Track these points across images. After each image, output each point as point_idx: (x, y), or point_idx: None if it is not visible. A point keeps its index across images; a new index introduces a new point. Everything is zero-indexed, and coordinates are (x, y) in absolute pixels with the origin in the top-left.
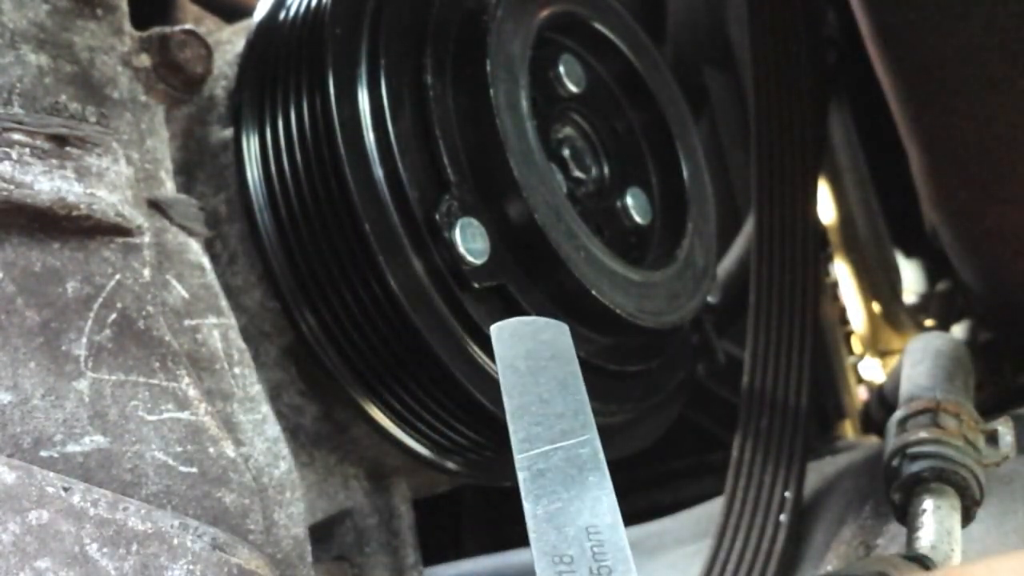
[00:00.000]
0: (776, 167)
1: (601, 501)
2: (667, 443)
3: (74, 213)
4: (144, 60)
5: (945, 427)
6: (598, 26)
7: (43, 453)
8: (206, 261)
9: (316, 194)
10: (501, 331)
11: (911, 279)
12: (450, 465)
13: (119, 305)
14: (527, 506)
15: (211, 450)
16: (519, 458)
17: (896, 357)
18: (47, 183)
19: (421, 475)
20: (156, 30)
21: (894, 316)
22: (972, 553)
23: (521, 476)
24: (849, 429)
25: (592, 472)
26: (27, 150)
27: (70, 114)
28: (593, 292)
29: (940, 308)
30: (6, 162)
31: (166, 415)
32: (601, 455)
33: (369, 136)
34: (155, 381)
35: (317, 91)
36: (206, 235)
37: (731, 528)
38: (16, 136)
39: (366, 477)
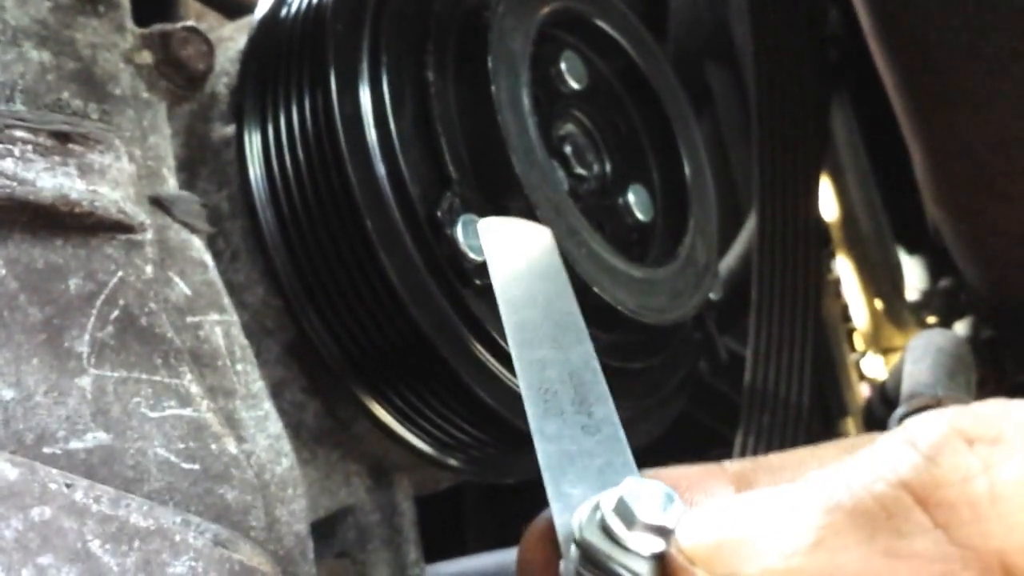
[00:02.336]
0: (778, 164)
1: (583, 355)
2: (669, 440)
3: (76, 210)
4: (146, 57)
5: None
6: (600, 22)
7: (46, 450)
8: (208, 258)
9: (318, 191)
10: (487, 225)
11: (913, 276)
12: (452, 462)
13: (121, 302)
14: (515, 351)
15: (213, 447)
16: (507, 320)
17: (898, 354)
18: (49, 180)
19: (423, 472)
20: (158, 27)
21: (896, 313)
22: None
23: (509, 331)
24: (851, 426)
25: (574, 333)
26: (29, 147)
27: (72, 111)
28: (595, 289)
29: (942, 305)
30: (8, 159)
31: (168, 412)
32: (581, 321)
33: (371, 133)
34: (157, 378)
35: (319, 88)
36: (208, 232)
37: None
38: (18, 133)
39: (368, 474)
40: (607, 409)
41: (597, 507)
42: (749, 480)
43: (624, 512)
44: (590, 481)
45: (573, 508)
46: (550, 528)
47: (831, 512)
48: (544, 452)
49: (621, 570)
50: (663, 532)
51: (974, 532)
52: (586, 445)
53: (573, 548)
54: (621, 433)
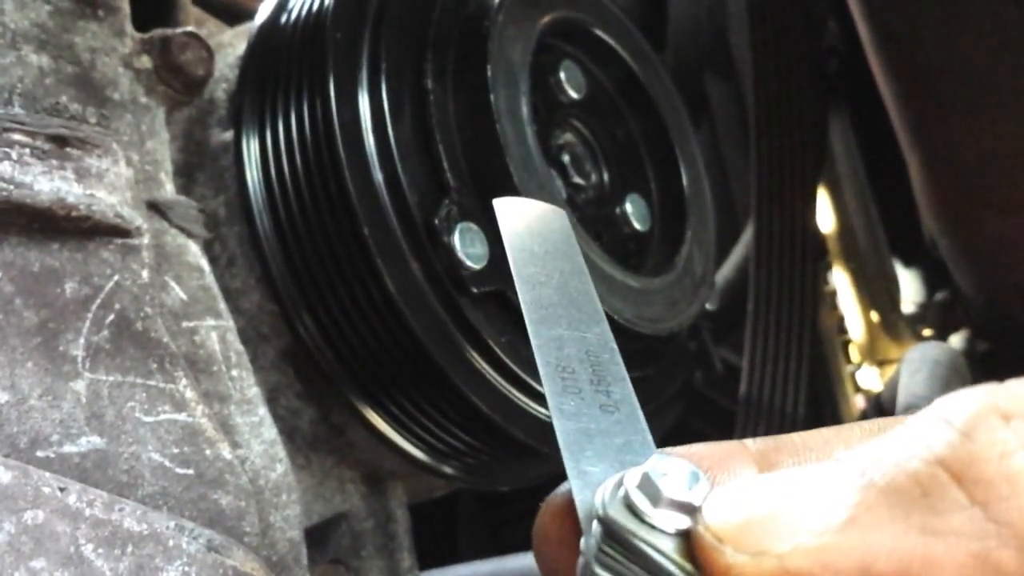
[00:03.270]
0: (776, 175)
1: (600, 335)
2: None
3: (73, 214)
4: (145, 62)
5: None
6: (599, 32)
7: (39, 453)
8: (205, 263)
9: (315, 197)
10: (503, 204)
11: (909, 289)
12: (447, 469)
13: (117, 306)
14: (531, 329)
15: (208, 452)
16: (524, 297)
17: (894, 366)
18: (47, 183)
19: (418, 479)
20: (157, 32)
21: (892, 325)
22: None
23: (526, 308)
24: None
25: (591, 313)
26: (27, 150)
27: (70, 115)
28: None
29: (938, 318)
30: (6, 162)
31: (163, 416)
32: (598, 303)
33: (369, 140)
34: (152, 382)
35: (318, 95)
36: (205, 237)
37: None
38: (16, 136)
39: (363, 480)
40: (625, 389)
41: (620, 483)
42: (772, 460)
43: (649, 488)
44: (610, 459)
45: (593, 486)
46: (568, 503)
47: (864, 490)
48: (563, 429)
49: (645, 547)
50: (689, 509)
51: (1012, 508)
52: (605, 424)
53: (595, 524)
54: (640, 413)
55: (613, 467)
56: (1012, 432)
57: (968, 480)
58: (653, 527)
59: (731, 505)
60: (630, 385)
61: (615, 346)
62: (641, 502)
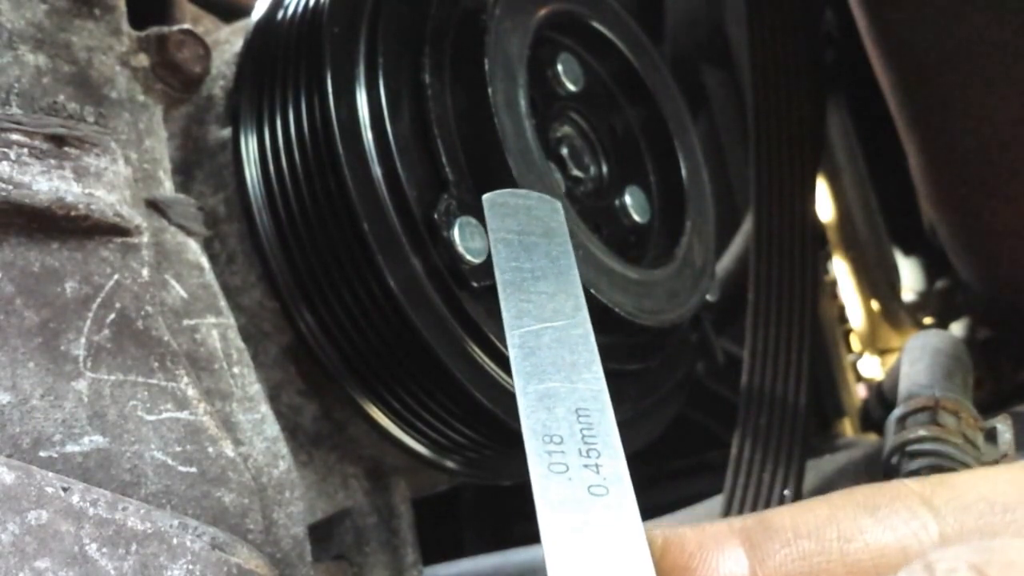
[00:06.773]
0: (775, 165)
1: (591, 384)
2: (666, 441)
3: (72, 213)
4: (142, 60)
5: (944, 425)
6: (596, 25)
7: (42, 453)
8: (205, 261)
9: (314, 194)
10: (494, 201)
11: (910, 277)
12: (449, 464)
13: (118, 305)
14: (518, 383)
15: (210, 450)
16: (510, 334)
17: (895, 355)
18: (45, 183)
19: (420, 474)
20: (154, 30)
21: (893, 314)
22: None
23: (512, 352)
24: (848, 427)
25: (582, 354)
26: (25, 150)
27: (68, 114)
28: (591, 291)
29: (939, 306)
30: (4, 162)
31: (165, 415)
32: (591, 337)
33: (367, 136)
34: (154, 381)
35: (315, 91)
36: (204, 235)
37: None
38: (14, 136)
39: (365, 476)
40: (616, 460)
41: None
42: (762, 548)
43: None
44: (595, 558)
45: None
46: None
47: None
48: (547, 524)
49: None
50: None
51: None
52: (593, 513)
53: None
54: (630, 491)
55: (598, 569)
56: None
57: None
58: None
59: None
60: (621, 452)
61: (607, 397)
62: None
